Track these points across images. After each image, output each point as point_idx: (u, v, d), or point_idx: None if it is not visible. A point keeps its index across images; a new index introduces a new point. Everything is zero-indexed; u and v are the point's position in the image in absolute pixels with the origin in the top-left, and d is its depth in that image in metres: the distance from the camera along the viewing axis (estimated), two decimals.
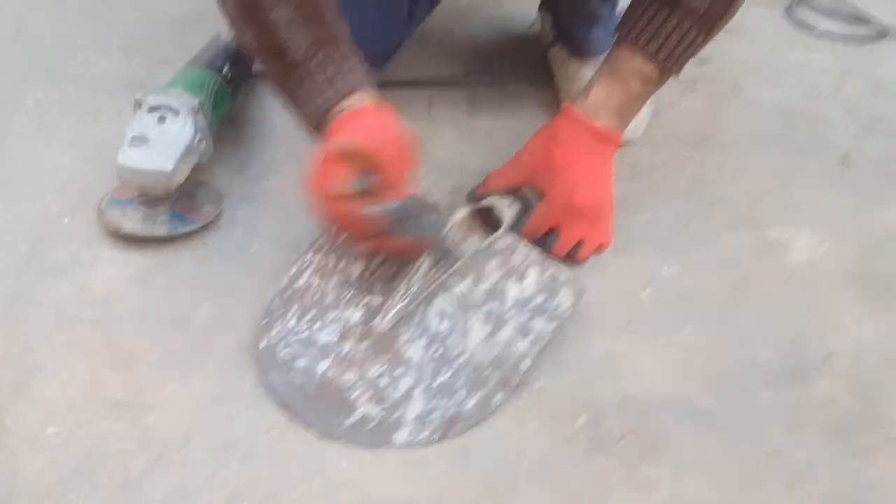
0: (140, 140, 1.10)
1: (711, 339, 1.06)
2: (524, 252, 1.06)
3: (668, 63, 1.06)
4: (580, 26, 1.34)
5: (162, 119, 1.12)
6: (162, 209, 1.13)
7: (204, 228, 1.15)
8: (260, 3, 0.97)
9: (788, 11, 1.71)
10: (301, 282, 1.05)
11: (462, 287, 1.03)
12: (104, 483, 0.88)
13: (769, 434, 0.97)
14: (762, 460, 0.94)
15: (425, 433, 0.94)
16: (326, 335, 1.01)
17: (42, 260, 1.10)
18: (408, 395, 0.96)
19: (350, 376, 0.98)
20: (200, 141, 1.14)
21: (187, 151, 1.11)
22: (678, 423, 0.97)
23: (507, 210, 1.13)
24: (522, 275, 1.04)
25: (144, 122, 1.12)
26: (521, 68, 1.48)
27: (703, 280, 1.13)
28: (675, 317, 1.08)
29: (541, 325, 1.01)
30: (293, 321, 1.02)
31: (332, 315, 1.02)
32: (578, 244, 1.12)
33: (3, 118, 1.32)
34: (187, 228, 1.14)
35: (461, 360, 0.99)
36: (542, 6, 1.46)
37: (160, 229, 1.13)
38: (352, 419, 0.95)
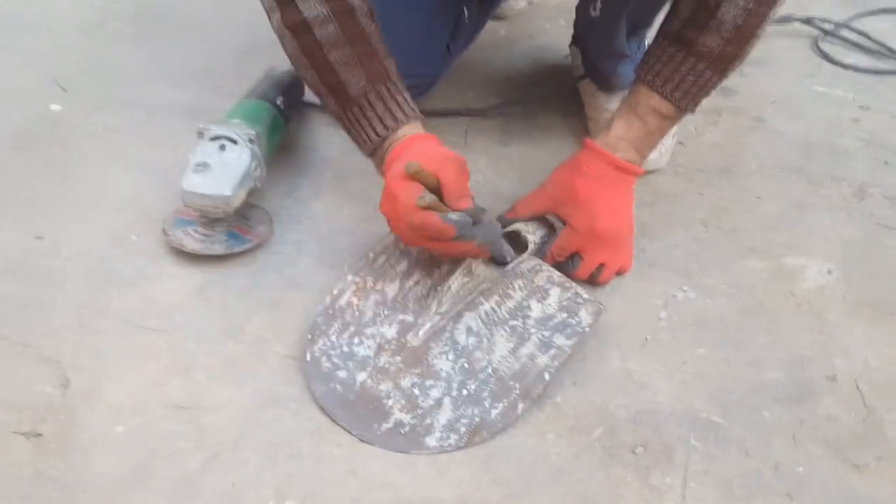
0: (202, 167, 1.14)
1: (723, 359, 1.09)
2: (547, 274, 1.10)
3: (684, 102, 1.10)
4: (608, 62, 1.37)
5: (222, 147, 1.16)
6: (220, 229, 1.18)
7: (256, 246, 1.20)
8: (319, 46, 1.04)
9: (815, 44, 1.74)
10: (343, 301, 1.10)
11: (488, 305, 1.08)
12: (165, 478, 0.93)
13: (773, 448, 0.99)
14: (766, 472, 0.97)
15: (453, 439, 0.98)
16: (364, 349, 1.06)
17: (111, 274, 1.15)
18: (437, 404, 1.01)
19: (385, 386, 1.03)
20: (256, 168, 1.19)
21: (245, 178, 1.16)
22: (688, 436, 1.00)
23: (532, 235, 1.17)
24: (545, 294, 1.08)
25: (206, 151, 1.16)
26: (553, 99, 1.51)
27: (718, 304, 1.16)
28: (690, 337, 1.12)
29: (561, 341, 1.05)
30: (335, 336, 1.07)
31: (369, 331, 1.08)
32: (600, 267, 1.16)
33: (74, 143, 1.37)
34: (243, 247, 1.18)
35: (486, 372, 1.03)
36: (573, 42, 1.50)
37: (218, 248, 1.17)
38: (387, 425, 1.00)
